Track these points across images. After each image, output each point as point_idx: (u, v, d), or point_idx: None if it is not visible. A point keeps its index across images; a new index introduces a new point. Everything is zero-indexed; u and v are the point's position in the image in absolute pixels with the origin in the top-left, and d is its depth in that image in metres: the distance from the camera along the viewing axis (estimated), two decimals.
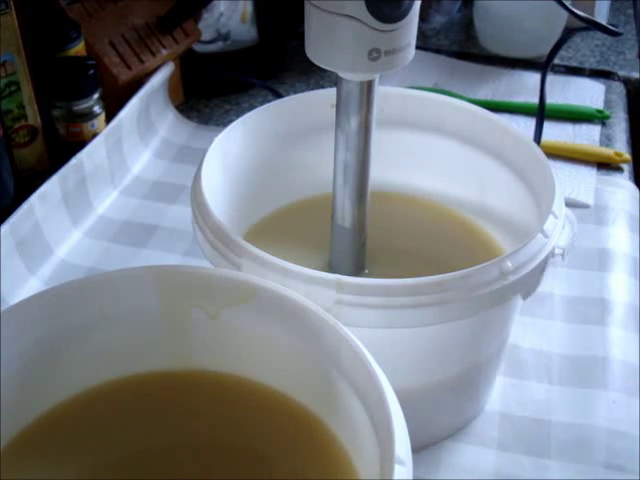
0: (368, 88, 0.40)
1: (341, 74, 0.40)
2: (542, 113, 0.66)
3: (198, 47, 0.77)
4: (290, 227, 0.51)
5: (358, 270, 0.46)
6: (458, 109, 0.50)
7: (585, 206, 0.65)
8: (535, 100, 0.75)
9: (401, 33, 0.37)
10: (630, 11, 0.99)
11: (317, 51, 0.39)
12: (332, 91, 0.51)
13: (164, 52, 0.71)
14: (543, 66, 0.64)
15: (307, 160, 0.52)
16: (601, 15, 0.93)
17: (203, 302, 0.37)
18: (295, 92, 0.78)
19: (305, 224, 0.52)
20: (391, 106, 0.51)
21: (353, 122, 0.41)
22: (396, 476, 0.27)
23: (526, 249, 0.39)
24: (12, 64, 0.60)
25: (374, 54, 0.37)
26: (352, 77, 0.40)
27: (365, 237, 0.45)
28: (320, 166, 0.49)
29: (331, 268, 0.46)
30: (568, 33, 0.61)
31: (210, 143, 0.46)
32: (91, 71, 0.63)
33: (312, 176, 0.52)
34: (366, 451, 0.32)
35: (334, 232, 0.45)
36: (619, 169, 0.70)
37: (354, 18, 0.36)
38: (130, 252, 0.60)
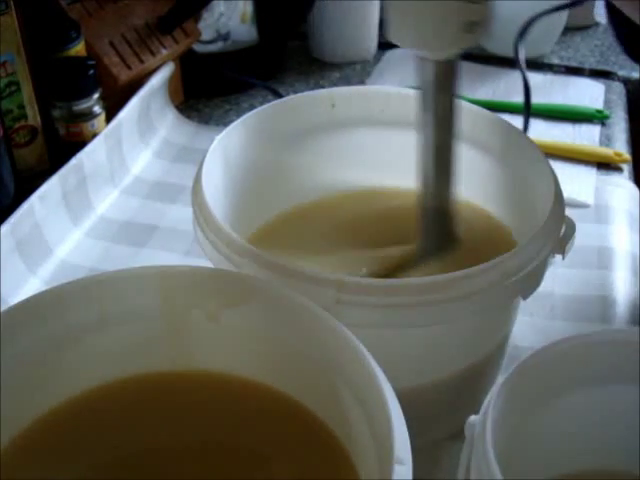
0: (454, 66, 0.41)
1: (434, 54, 0.40)
2: (528, 108, 0.69)
3: (198, 47, 0.77)
4: (292, 234, 0.51)
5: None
6: (459, 109, 0.50)
7: (585, 206, 0.65)
8: (535, 100, 0.76)
9: (488, 4, 0.38)
10: None
11: (412, 35, 0.39)
12: (332, 91, 0.51)
13: (164, 52, 0.71)
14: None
15: (307, 159, 0.52)
16: (600, 15, 0.93)
17: (203, 302, 0.37)
18: (295, 92, 0.78)
19: (307, 230, 0.52)
20: (392, 106, 0.51)
21: (446, 103, 0.42)
22: (396, 476, 0.27)
23: (526, 249, 0.39)
24: (12, 64, 0.60)
25: (468, 27, 0.38)
26: (443, 55, 0.40)
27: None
28: (320, 165, 0.49)
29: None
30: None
31: (210, 143, 0.46)
32: (91, 71, 0.63)
33: (312, 175, 0.52)
34: (366, 451, 0.32)
35: (424, 219, 0.45)
36: (619, 169, 0.70)
37: None
38: (130, 252, 0.60)
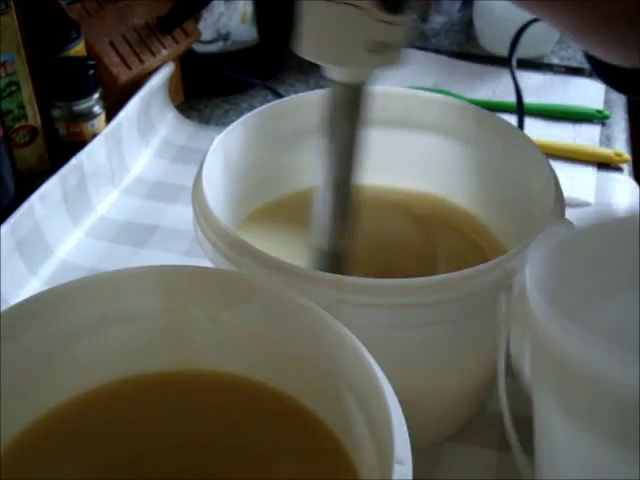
0: (363, 93, 0.39)
1: (336, 77, 0.38)
2: (521, 110, 0.70)
3: (198, 47, 0.77)
4: (285, 216, 0.51)
5: None
6: (459, 109, 0.50)
7: (586, 204, 0.65)
8: (535, 100, 0.76)
9: (401, 28, 0.36)
10: None
11: (312, 45, 0.37)
12: None
13: (164, 52, 0.71)
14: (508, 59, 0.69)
15: (307, 160, 0.52)
16: None
17: (203, 302, 0.37)
18: (295, 92, 0.78)
19: (300, 215, 0.52)
20: (392, 106, 0.51)
21: (348, 132, 0.40)
22: (396, 476, 0.27)
23: (527, 249, 0.39)
24: (12, 64, 0.60)
25: (373, 46, 0.36)
26: (347, 77, 0.38)
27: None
28: (320, 165, 0.49)
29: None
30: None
31: (210, 143, 0.46)
32: (91, 71, 0.63)
33: (312, 175, 0.52)
34: (366, 451, 0.32)
35: (314, 258, 0.43)
36: (619, 169, 0.70)
37: (355, 6, 0.34)
38: (130, 252, 0.60)
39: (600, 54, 0.44)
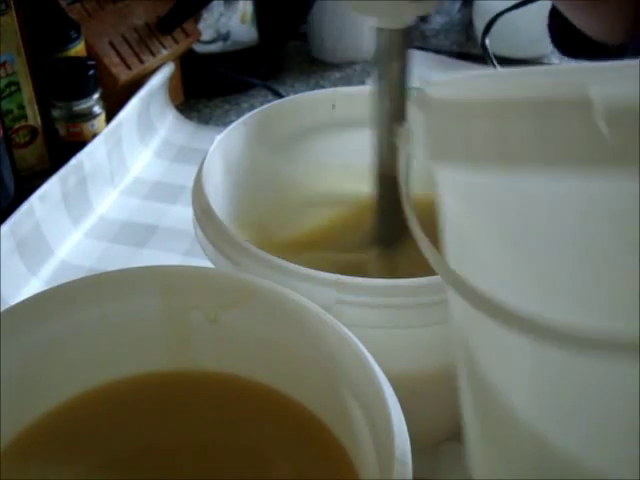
0: (406, 35, 0.42)
1: (383, 24, 0.42)
2: None
3: (198, 47, 0.77)
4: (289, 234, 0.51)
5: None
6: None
7: None
8: None
9: None
10: None
11: (359, 2, 0.41)
12: (332, 91, 0.51)
13: (164, 52, 0.71)
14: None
15: (307, 160, 0.52)
16: None
17: (203, 302, 0.37)
18: (295, 92, 0.78)
19: (306, 230, 0.52)
20: None
21: (395, 70, 0.43)
22: (396, 476, 0.27)
23: None
24: (12, 64, 0.60)
25: None
26: (390, 24, 0.41)
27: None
28: (321, 165, 0.49)
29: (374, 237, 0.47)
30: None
31: (210, 143, 0.46)
32: (91, 71, 0.63)
33: (313, 176, 0.52)
34: (366, 451, 0.32)
35: (377, 189, 0.46)
36: None
37: None
38: (130, 252, 0.60)
39: (588, 29, 0.47)
